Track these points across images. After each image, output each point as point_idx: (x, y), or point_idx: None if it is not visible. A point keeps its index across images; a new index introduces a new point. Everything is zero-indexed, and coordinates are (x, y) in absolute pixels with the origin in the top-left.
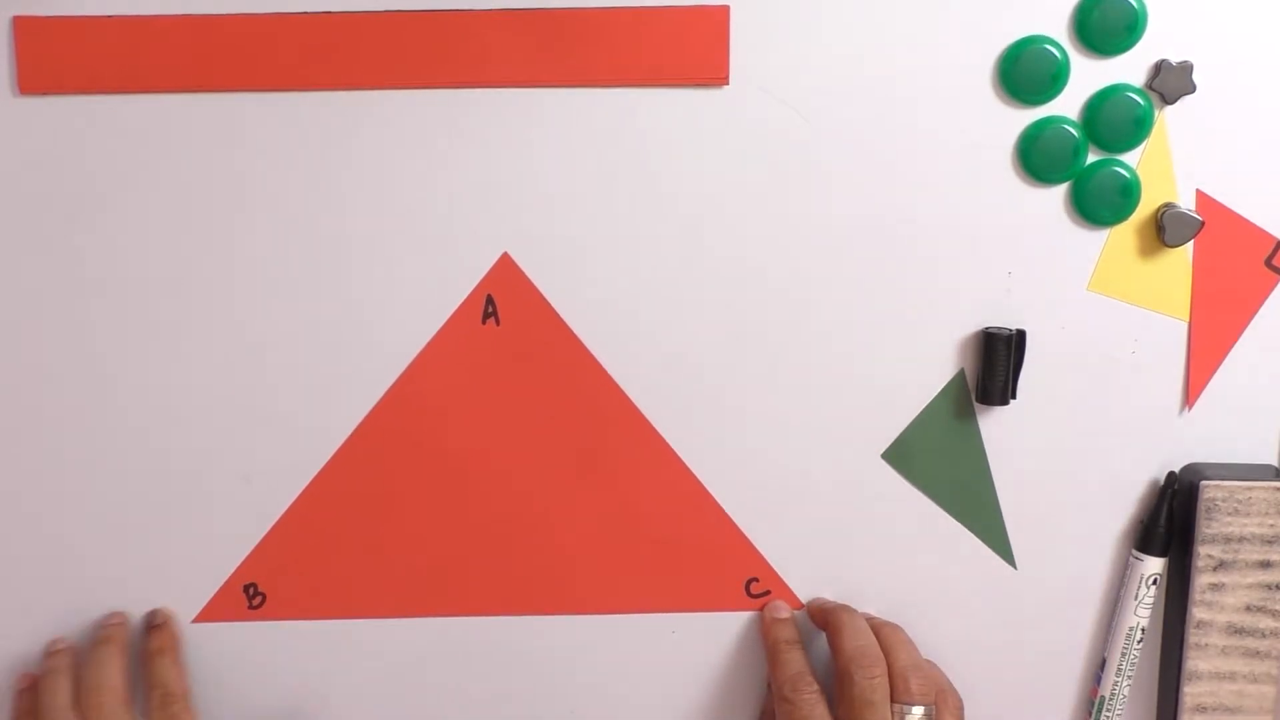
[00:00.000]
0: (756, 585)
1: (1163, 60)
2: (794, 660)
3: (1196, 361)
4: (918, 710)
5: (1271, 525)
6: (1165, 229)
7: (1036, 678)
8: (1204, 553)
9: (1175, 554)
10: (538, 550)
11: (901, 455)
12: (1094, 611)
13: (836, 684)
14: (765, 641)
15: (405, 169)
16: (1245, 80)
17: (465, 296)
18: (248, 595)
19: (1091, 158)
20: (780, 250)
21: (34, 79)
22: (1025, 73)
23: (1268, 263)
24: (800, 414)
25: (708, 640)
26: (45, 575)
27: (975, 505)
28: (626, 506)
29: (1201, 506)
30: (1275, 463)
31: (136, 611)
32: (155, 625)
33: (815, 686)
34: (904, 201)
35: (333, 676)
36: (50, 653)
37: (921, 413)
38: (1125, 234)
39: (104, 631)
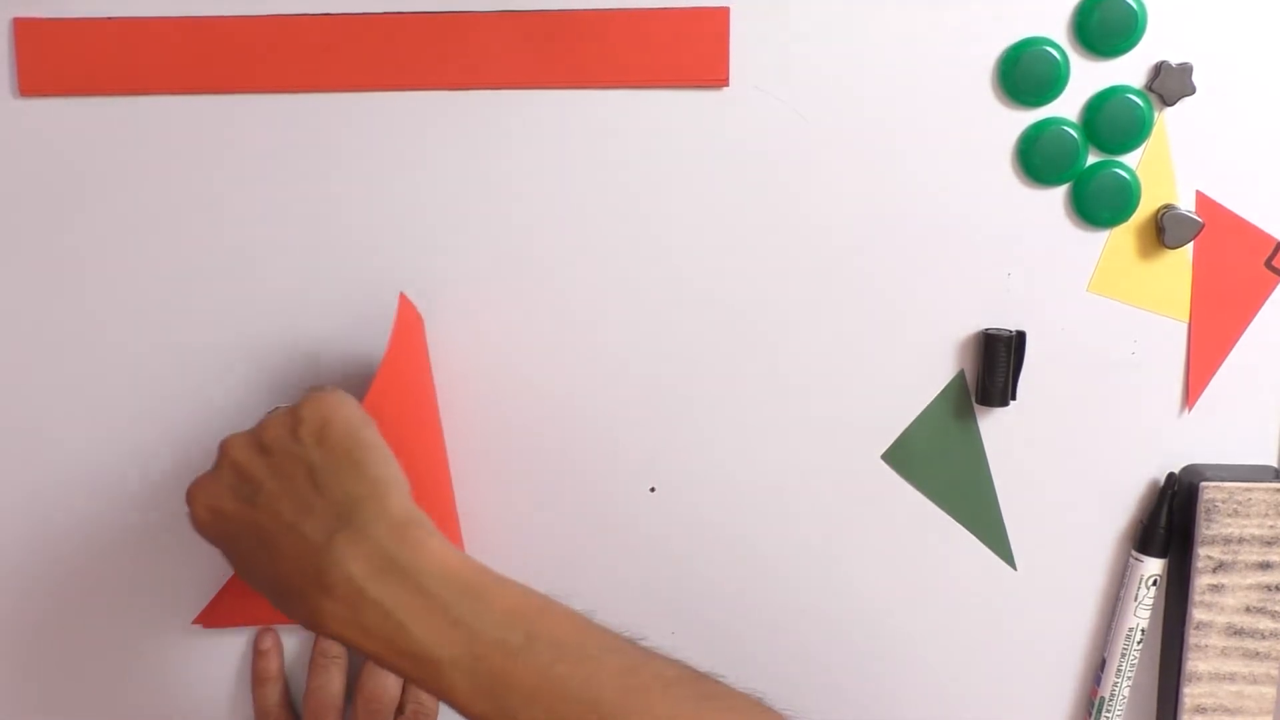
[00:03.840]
0: None
1: (1162, 62)
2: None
3: (1196, 362)
4: None
5: (1271, 526)
6: (1165, 230)
7: (1036, 678)
8: (1204, 554)
9: (1175, 555)
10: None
11: (901, 455)
12: (1094, 612)
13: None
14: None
15: (405, 171)
16: (1245, 81)
17: (463, 298)
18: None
19: (1091, 159)
20: (780, 251)
21: (34, 80)
22: (1025, 74)
23: (1268, 264)
24: (800, 415)
25: None
26: (46, 575)
27: (975, 506)
28: None
29: (1201, 508)
30: (1275, 464)
31: (134, 611)
32: None
33: None
34: (904, 202)
35: None
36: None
37: (921, 413)
38: (1125, 235)
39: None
